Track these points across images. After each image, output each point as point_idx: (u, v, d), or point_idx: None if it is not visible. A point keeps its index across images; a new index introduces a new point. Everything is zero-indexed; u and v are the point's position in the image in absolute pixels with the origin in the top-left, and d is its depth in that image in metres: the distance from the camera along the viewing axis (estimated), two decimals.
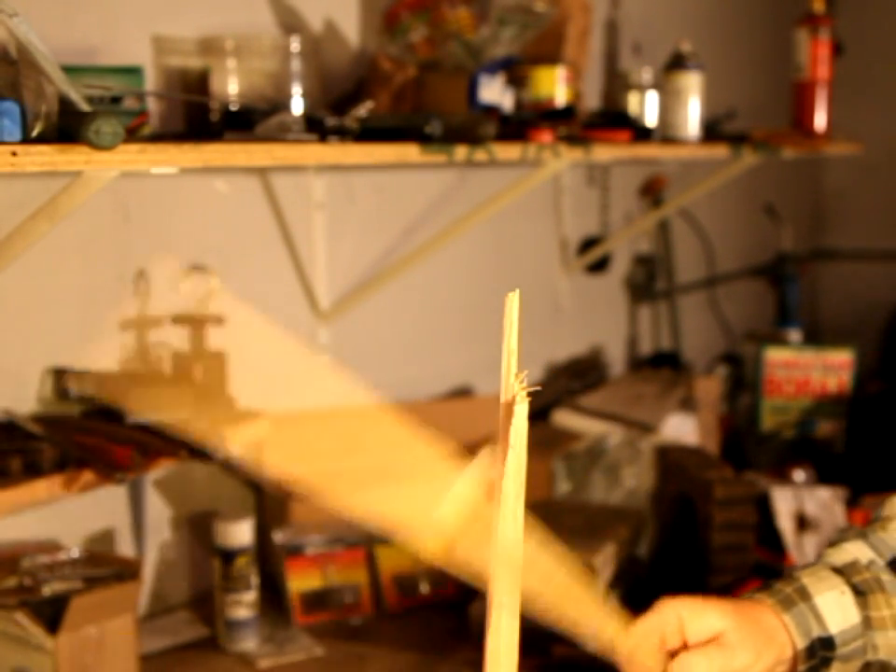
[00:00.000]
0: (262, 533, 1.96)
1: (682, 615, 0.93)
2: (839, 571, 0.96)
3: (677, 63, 2.36)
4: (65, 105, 1.24)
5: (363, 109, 1.67)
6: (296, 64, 1.80)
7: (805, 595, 0.95)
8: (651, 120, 2.46)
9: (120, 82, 1.50)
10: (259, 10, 1.99)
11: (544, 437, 2.35)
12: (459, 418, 2.32)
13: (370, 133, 1.62)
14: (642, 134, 2.27)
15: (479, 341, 2.54)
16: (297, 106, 1.79)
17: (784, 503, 2.14)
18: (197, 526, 1.98)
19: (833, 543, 1.02)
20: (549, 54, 2.22)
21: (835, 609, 0.94)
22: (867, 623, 0.95)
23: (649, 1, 3.02)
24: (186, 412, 1.68)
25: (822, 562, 0.99)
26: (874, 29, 3.81)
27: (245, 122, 1.60)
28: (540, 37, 2.15)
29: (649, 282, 3.15)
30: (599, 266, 2.93)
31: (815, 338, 3.49)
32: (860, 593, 0.95)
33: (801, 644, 0.93)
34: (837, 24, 2.70)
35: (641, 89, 2.49)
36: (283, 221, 2.10)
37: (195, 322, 1.85)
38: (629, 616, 0.93)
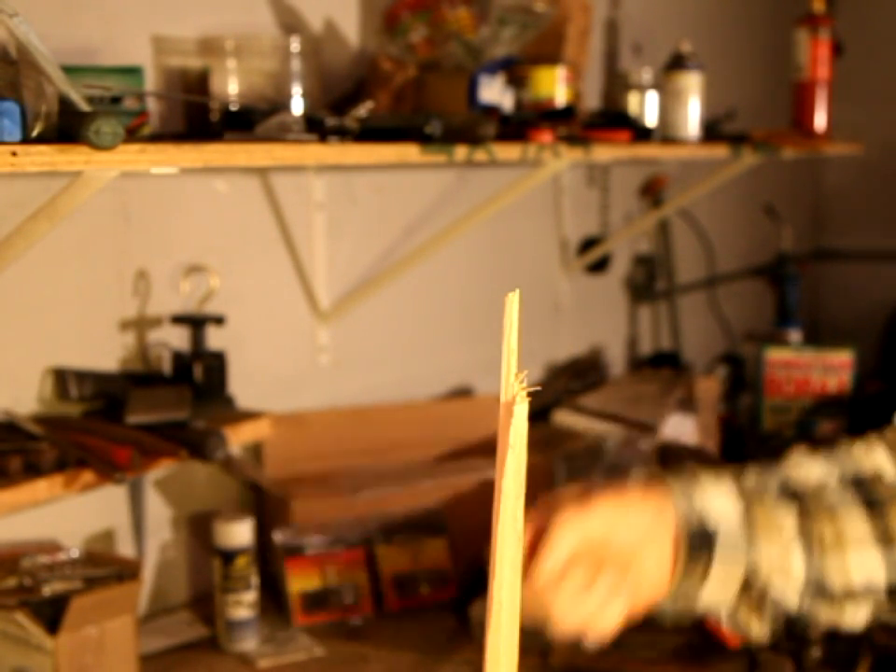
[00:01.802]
0: (262, 533, 1.96)
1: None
2: (727, 475, 0.95)
3: (677, 62, 2.36)
4: (65, 104, 1.24)
5: (363, 109, 1.67)
6: (296, 64, 1.80)
7: (691, 473, 0.93)
8: (650, 120, 2.46)
9: (120, 82, 1.50)
10: (259, 10, 1.99)
11: (544, 437, 2.35)
12: (459, 418, 2.32)
13: (370, 133, 1.62)
14: (642, 134, 2.27)
15: (479, 341, 2.54)
16: (297, 106, 1.79)
17: None
18: (197, 526, 1.98)
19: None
20: (549, 54, 2.22)
21: (716, 494, 0.92)
22: (749, 520, 0.92)
23: (649, 1, 3.02)
24: (186, 412, 1.68)
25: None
26: (874, 29, 3.81)
27: (245, 122, 1.60)
28: (540, 37, 2.15)
29: (649, 282, 3.15)
30: (599, 266, 2.93)
31: (815, 338, 3.49)
32: (741, 491, 0.93)
33: (683, 507, 0.91)
34: (837, 24, 2.70)
35: (641, 89, 2.49)
36: (283, 221, 2.10)
37: (195, 322, 1.85)
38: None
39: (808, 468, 0.98)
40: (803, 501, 0.95)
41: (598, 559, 0.86)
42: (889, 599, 0.96)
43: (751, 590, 0.93)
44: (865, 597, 0.96)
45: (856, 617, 0.97)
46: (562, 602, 0.85)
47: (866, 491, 0.96)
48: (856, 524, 0.95)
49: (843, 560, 0.94)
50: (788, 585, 0.93)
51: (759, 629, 0.95)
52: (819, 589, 0.94)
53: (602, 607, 0.85)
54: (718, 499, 0.91)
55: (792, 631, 0.95)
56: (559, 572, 0.85)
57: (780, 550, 0.92)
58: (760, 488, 0.94)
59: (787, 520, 0.93)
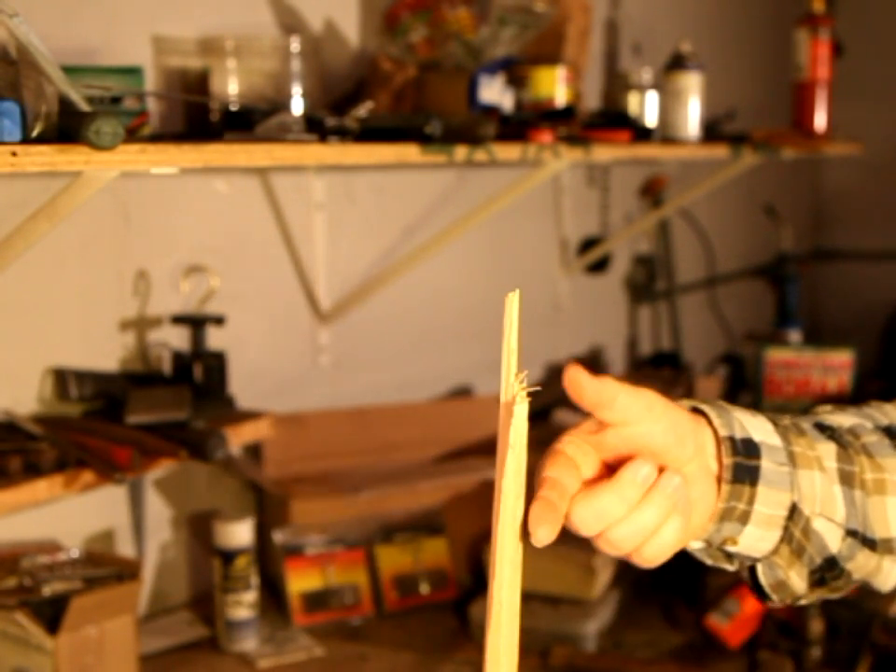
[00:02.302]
0: (262, 533, 1.96)
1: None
2: (759, 412, 0.88)
3: (677, 63, 2.36)
4: (65, 105, 1.24)
5: (363, 109, 1.67)
6: (296, 64, 1.80)
7: (723, 405, 0.86)
8: (651, 120, 2.46)
9: (120, 82, 1.50)
10: (259, 10, 1.99)
11: (544, 437, 2.34)
12: (459, 418, 2.32)
13: (370, 133, 1.62)
14: (642, 134, 2.27)
15: (479, 341, 2.54)
16: (297, 106, 1.79)
17: None
18: (197, 526, 1.98)
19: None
20: (549, 54, 2.22)
21: (755, 426, 0.85)
22: (791, 456, 0.85)
23: (649, 1, 3.02)
24: (186, 412, 1.68)
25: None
26: (874, 29, 3.81)
27: (245, 122, 1.60)
28: (540, 37, 2.15)
29: (649, 282, 3.15)
30: (599, 266, 2.93)
31: (815, 338, 3.49)
32: (777, 426, 0.87)
33: (724, 432, 0.83)
34: (837, 24, 2.70)
35: (641, 89, 2.49)
36: (283, 221, 2.10)
37: (195, 322, 1.85)
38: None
39: (840, 417, 0.93)
40: (840, 440, 0.89)
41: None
42: None
43: (794, 529, 0.86)
44: None
45: (891, 574, 0.91)
46: (621, 504, 0.77)
47: None
48: (894, 471, 0.89)
49: (883, 507, 0.89)
50: (832, 522, 0.87)
51: (797, 582, 0.89)
52: (860, 532, 0.89)
53: (659, 524, 0.78)
54: (757, 430, 0.85)
55: (828, 587, 0.89)
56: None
57: (824, 482, 0.87)
58: (795, 422, 0.89)
59: (827, 453, 0.88)
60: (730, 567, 0.90)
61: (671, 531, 0.79)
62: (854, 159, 3.20)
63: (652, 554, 0.79)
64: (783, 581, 0.89)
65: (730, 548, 0.87)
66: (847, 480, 0.88)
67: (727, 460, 0.83)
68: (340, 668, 1.78)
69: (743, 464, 0.84)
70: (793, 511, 0.86)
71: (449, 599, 2.00)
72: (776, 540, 0.87)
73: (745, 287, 3.60)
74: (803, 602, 0.92)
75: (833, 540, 0.88)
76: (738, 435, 0.84)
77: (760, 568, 0.89)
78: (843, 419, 0.94)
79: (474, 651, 1.82)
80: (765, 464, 0.84)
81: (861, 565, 0.89)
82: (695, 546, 0.88)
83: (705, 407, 0.86)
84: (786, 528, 0.86)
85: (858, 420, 0.94)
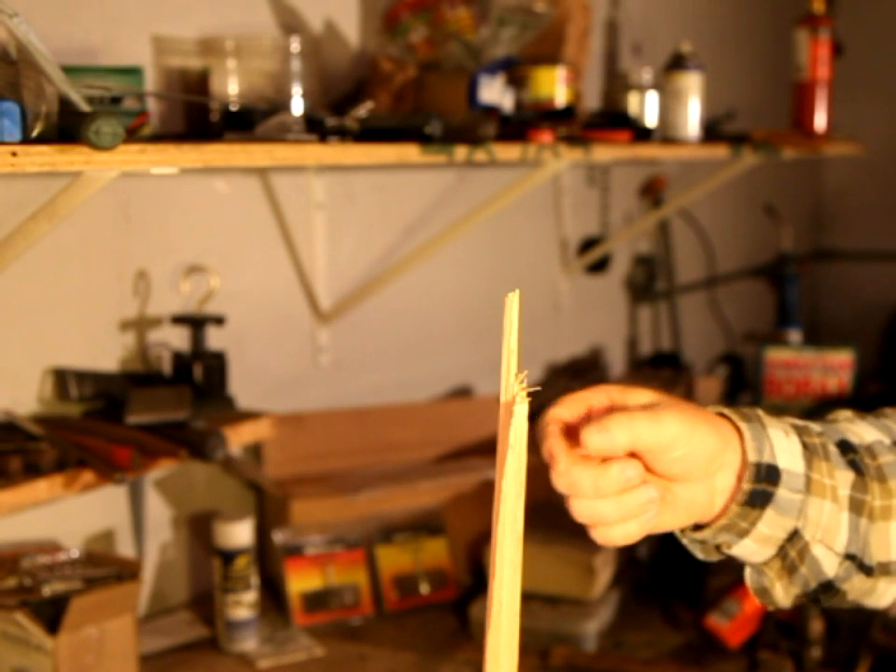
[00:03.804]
0: (262, 533, 1.96)
1: (612, 396, 0.85)
2: (791, 425, 0.90)
3: (677, 63, 2.36)
4: (65, 105, 1.24)
5: (363, 109, 1.67)
6: (296, 64, 1.80)
7: (760, 420, 0.88)
8: (651, 121, 2.46)
9: (120, 82, 1.50)
10: (259, 10, 1.99)
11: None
12: (459, 418, 2.32)
13: (370, 133, 1.62)
14: (642, 135, 2.27)
15: (479, 341, 2.54)
16: (297, 106, 1.79)
17: None
18: (197, 526, 1.98)
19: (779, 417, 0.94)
20: (549, 54, 2.22)
21: (785, 448, 0.87)
22: (808, 483, 0.88)
23: (649, 1, 3.02)
24: (186, 412, 1.68)
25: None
26: (874, 29, 3.81)
27: (245, 122, 1.60)
28: (540, 37, 2.15)
29: (649, 282, 3.15)
30: (599, 266, 2.93)
31: (815, 338, 3.49)
32: (806, 449, 0.89)
33: (753, 457, 0.86)
34: (837, 24, 2.70)
35: (641, 89, 2.49)
36: (283, 221, 2.10)
37: (195, 322, 1.85)
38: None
39: (861, 429, 0.95)
40: (858, 465, 0.92)
41: (647, 465, 0.83)
42: None
43: (790, 550, 0.89)
44: None
45: (885, 595, 0.95)
46: (593, 490, 0.81)
47: None
48: None
49: (886, 532, 0.92)
50: (831, 550, 0.90)
51: (781, 595, 0.92)
52: (858, 557, 0.91)
53: (631, 513, 0.81)
54: (784, 453, 0.87)
55: (817, 601, 0.93)
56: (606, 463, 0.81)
57: (833, 511, 0.89)
58: (823, 443, 0.91)
59: (844, 482, 0.90)
60: (718, 558, 0.93)
61: (628, 528, 0.82)
62: (854, 159, 3.20)
63: (604, 539, 0.83)
64: (767, 588, 0.91)
65: (723, 549, 0.90)
66: (856, 507, 0.91)
67: (746, 486, 0.86)
68: (340, 668, 1.78)
69: (760, 490, 0.86)
70: (794, 534, 0.88)
71: (449, 599, 2.00)
72: (769, 555, 0.90)
73: (745, 287, 3.60)
74: (781, 607, 0.94)
75: (830, 566, 0.90)
76: (766, 460, 0.86)
77: (748, 571, 0.92)
78: (864, 432, 0.96)
79: (474, 651, 1.82)
80: (781, 492, 0.87)
81: (856, 587, 0.92)
82: (686, 540, 0.91)
83: (742, 425, 0.87)
84: (782, 548, 0.89)
85: (877, 436, 0.96)
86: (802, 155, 2.74)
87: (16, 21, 1.18)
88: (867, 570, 0.92)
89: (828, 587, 0.91)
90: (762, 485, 0.86)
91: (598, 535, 0.83)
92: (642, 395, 0.86)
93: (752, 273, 3.55)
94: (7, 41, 1.23)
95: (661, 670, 1.79)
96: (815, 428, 0.93)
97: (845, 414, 0.99)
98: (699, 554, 0.92)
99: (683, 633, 1.90)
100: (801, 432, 0.91)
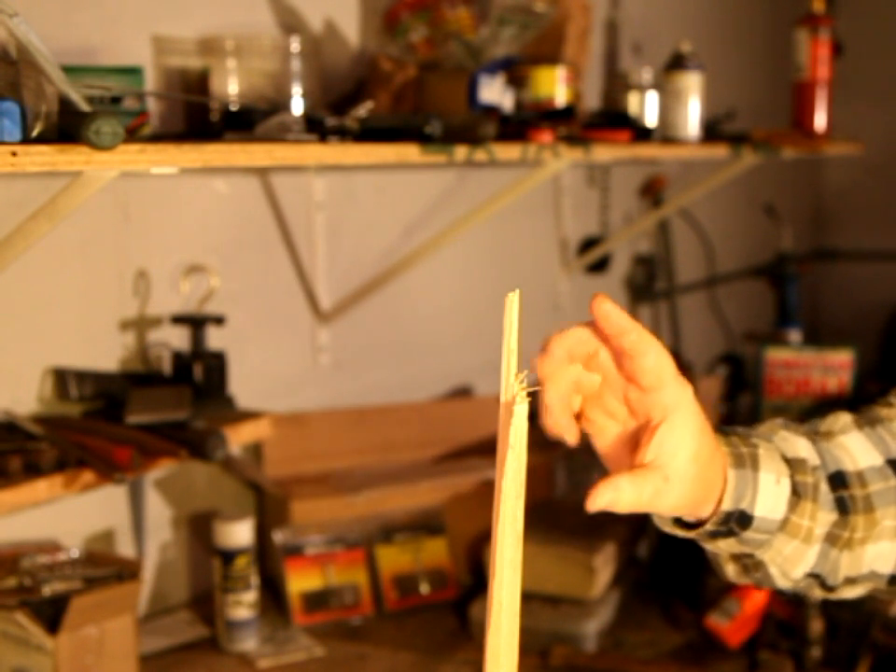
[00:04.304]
0: (262, 533, 1.96)
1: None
2: (788, 463, 0.92)
3: (677, 63, 2.36)
4: (65, 104, 1.24)
5: (363, 109, 1.67)
6: (296, 64, 1.80)
7: (755, 463, 0.90)
8: (651, 120, 2.45)
9: (120, 82, 1.50)
10: (259, 10, 1.99)
11: (544, 437, 2.34)
12: (459, 418, 2.32)
13: (370, 133, 1.62)
14: (642, 134, 2.27)
15: (479, 341, 2.54)
16: (297, 106, 1.79)
17: None
18: (197, 526, 1.98)
19: (784, 428, 0.96)
20: (549, 54, 2.22)
21: (770, 495, 0.90)
22: (783, 525, 0.91)
23: (649, 1, 3.02)
24: (186, 412, 1.68)
25: (776, 444, 0.93)
26: (874, 29, 3.81)
27: (245, 122, 1.60)
28: (540, 37, 2.15)
29: (649, 282, 3.15)
30: (599, 266, 2.93)
31: (815, 338, 3.49)
32: (795, 493, 0.91)
33: (726, 505, 0.88)
34: (837, 24, 2.70)
35: (641, 89, 2.49)
36: (283, 221, 2.10)
37: (195, 322, 1.85)
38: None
39: (857, 447, 0.97)
40: (846, 504, 0.94)
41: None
42: (889, 584, 0.97)
43: (748, 560, 0.94)
44: (864, 583, 0.97)
45: (847, 596, 0.98)
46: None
47: None
48: (888, 520, 0.95)
49: (859, 555, 0.94)
50: (786, 575, 0.94)
51: (733, 575, 0.96)
52: (821, 578, 0.95)
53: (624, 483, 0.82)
54: (767, 501, 0.90)
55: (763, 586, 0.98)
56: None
57: (799, 548, 0.92)
58: (815, 482, 0.93)
59: (824, 523, 0.93)
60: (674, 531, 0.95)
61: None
62: (854, 159, 3.20)
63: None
64: (720, 565, 0.97)
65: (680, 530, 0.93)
66: (830, 540, 0.94)
67: (710, 527, 0.89)
68: (340, 668, 1.78)
69: (724, 531, 0.90)
70: (753, 558, 0.93)
71: (449, 599, 2.00)
72: (725, 556, 0.95)
73: (745, 287, 3.60)
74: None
75: (784, 583, 0.95)
76: (741, 507, 0.89)
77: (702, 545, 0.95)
78: (859, 452, 0.97)
79: (474, 650, 1.82)
80: (748, 534, 0.90)
81: (817, 595, 0.98)
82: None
83: (731, 473, 0.89)
84: (739, 559, 0.94)
85: (871, 455, 0.97)
86: (802, 155, 2.74)
87: (16, 20, 1.18)
88: (829, 588, 0.96)
89: (781, 592, 0.99)
90: (728, 526, 0.90)
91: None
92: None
93: (752, 273, 3.55)
94: (7, 41, 1.24)
95: (661, 670, 1.79)
96: (812, 462, 0.95)
97: (843, 421, 0.99)
98: (660, 524, 0.95)
99: (683, 633, 1.90)
100: (797, 469, 0.93)
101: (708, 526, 0.89)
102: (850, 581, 0.96)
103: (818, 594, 0.97)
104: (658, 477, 0.83)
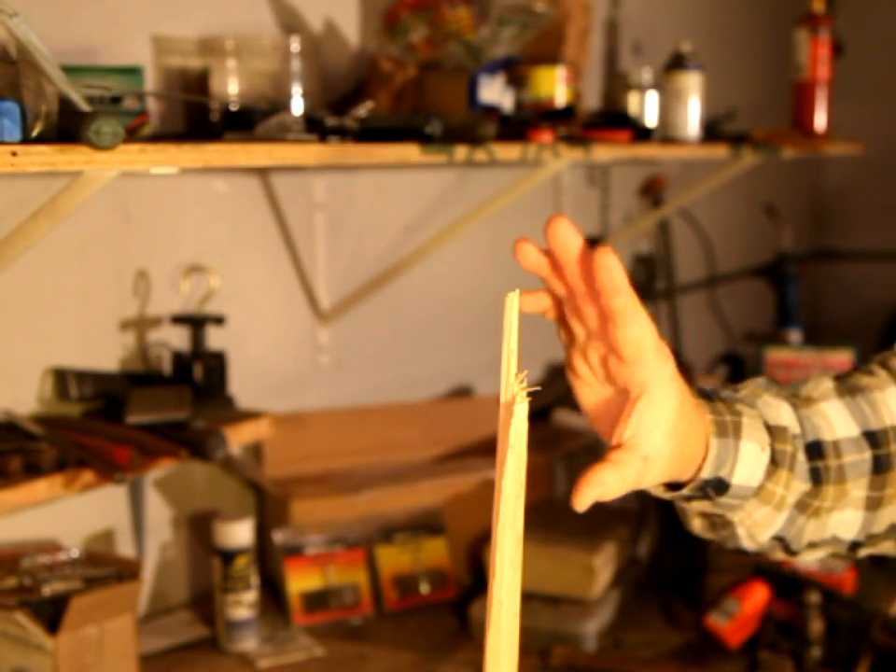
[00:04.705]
0: (262, 533, 1.96)
1: None
2: (770, 431, 0.93)
3: (677, 63, 2.36)
4: (65, 104, 1.24)
5: (363, 109, 1.67)
6: (296, 64, 1.80)
7: (738, 432, 0.90)
8: (651, 120, 2.45)
9: (120, 82, 1.50)
10: (259, 10, 1.99)
11: (544, 437, 2.35)
12: (459, 418, 2.32)
13: (370, 132, 1.62)
14: (642, 134, 2.27)
15: (479, 341, 2.54)
16: (297, 106, 1.79)
17: None
18: (197, 526, 1.98)
19: (767, 392, 0.96)
20: (549, 54, 2.22)
21: (749, 464, 0.90)
22: (757, 491, 0.91)
23: (649, 1, 3.02)
24: (186, 412, 1.68)
25: (759, 411, 0.94)
26: (874, 29, 3.81)
27: (245, 122, 1.60)
28: (540, 37, 2.15)
29: (649, 282, 3.15)
30: None
31: (815, 338, 3.49)
32: (773, 461, 0.92)
33: (705, 473, 0.89)
34: (837, 24, 2.70)
35: (641, 89, 2.49)
36: (283, 221, 2.10)
37: (195, 322, 1.85)
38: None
39: (836, 415, 0.98)
40: (820, 474, 0.95)
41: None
42: (849, 550, 0.99)
43: (716, 519, 0.96)
44: (825, 547, 0.99)
45: (808, 559, 1.01)
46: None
47: (881, 453, 0.96)
48: (857, 490, 0.96)
49: (825, 522, 0.96)
50: (753, 538, 0.95)
51: (699, 529, 0.99)
52: (785, 542, 0.96)
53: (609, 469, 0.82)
54: (745, 469, 0.91)
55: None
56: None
57: (769, 514, 0.94)
58: (794, 451, 0.94)
59: (796, 491, 0.94)
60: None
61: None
62: (854, 159, 3.20)
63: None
64: (685, 517, 0.99)
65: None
66: (800, 507, 0.95)
67: (686, 492, 0.91)
68: (340, 668, 1.78)
69: (703, 495, 0.91)
70: (723, 518, 0.94)
71: (449, 599, 2.00)
72: (694, 514, 0.97)
73: (745, 287, 3.60)
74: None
75: (749, 544, 0.97)
76: (720, 475, 0.90)
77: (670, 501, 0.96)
78: (838, 420, 0.98)
79: (474, 650, 1.82)
80: (723, 499, 0.91)
81: (777, 557, 1.00)
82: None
83: (712, 442, 0.89)
84: (708, 517, 0.96)
85: (849, 426, 0.98)
86: (802, 155, 2.74)
87: (16, 20, 1.18)
88: (791, 552, 0.98)
89: (742, 551, 0.98)
90: (704, 492, 0.90)
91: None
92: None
93: (752, 273, 3.55)
94: (7, 41, 1.23)
95: (661, 670, 1.79)
96: (793, 430, 0.95)
97: (825, 387, 1.00)
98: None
99: (683, 633, 1.90)
100: (777, 438, 0.93)
101: (685, 491, 0.90)
102: (812, 545, 0.98)
103: (779, 556, 0.99)
104: (637, 458, 0.83)
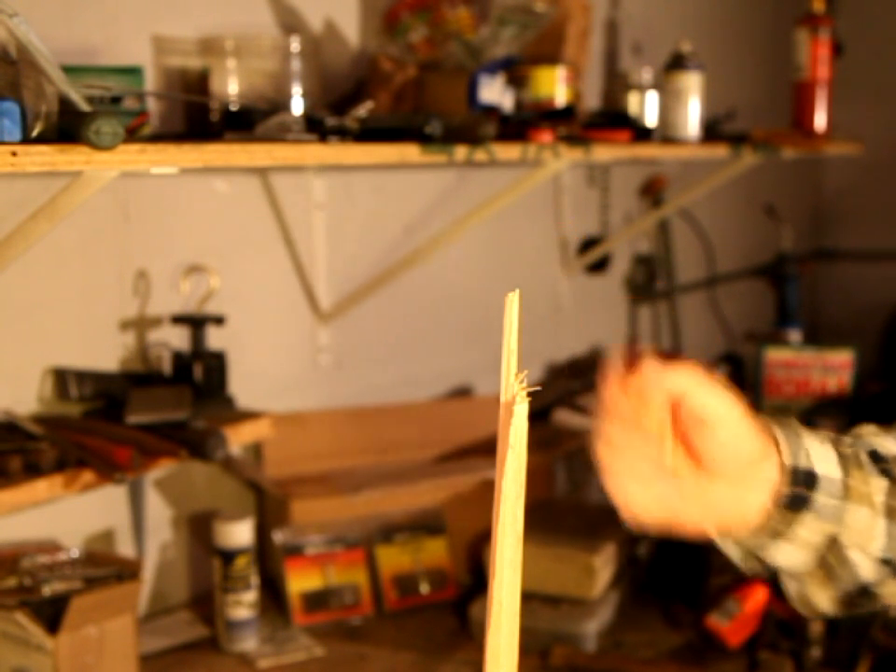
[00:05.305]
0: (262, 533, 1.96)
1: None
2: (825, 436, 0.91)
3: (677, 63, 2.36)
4: (65, 104, 1.24)
5: (363, 109, 1.67)
6: (296, 64, 1.80)
7: (795, 429, 0.90)
8: (651, 120, 2.46)
9: (120, 82, 1.50)
10: (259, 10, 1.99)
11: (544, 437, 2.35)
12: (459, 418, 2.32)
13: (370, 133, 1.62)
14: (642, 134, 2.27)
15: (479, 341, 2.54)
16: (297, 106, 1.79)
17: None
18: (197, 526, 1.98)
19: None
20: (549, 54, 2.22)
21: (821, 455, 0.89)
22: (846, 489, 0.89)
23: (649, 1, 3.02)
24: (186, 412, 1.68)
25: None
26: (874, 29, 3.81)
27: (245, 122, 1.60)
28: (540, 37, 2.15)
29: (649, 282, 3.15)
30: (599, 266, 2.93)
31: (815, 338, 3.49)
32: (841, 456, 0.90)
33: (788, 460, 0.87)
34: (837, 24, 2.70)
35: (641, 89, 2.49)
36: (283, 221, 2.10)
37: (195, 322, 1.85)
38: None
39: (888, 442, 0.97)
40: (891, 473, 0.93)
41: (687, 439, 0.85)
42: None
43: (828, 554, 0.91)
44: None
45: None
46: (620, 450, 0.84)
47: None
48: None
49: None
50: (867, 554, 0.91)
51: (821, 600, 0.94)
52: (893, 564, 0.93)
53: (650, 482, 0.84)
54: (821, 461, 0.89)
55: (855, 607, 0.94)
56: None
57: (869, 517, 0.91)
58: (855, 452, 0.93)
59: (879, 489, 0.92)
60: (756, 569, 0.94)
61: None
62: (854, 159, 3.20)
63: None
64: (807, 596, 0.93)
65: (763, 556, 0.91)
66: (891, 514, 0.92)
67: (786, 489, 0.87)
68: (340, 668, 1.78)
69: (798, 494, 0.88)
70: (832, 539, 0.90)
71: (449, 599, 2.00)
72: (808, 560, 0.91)
73: (745, 287, 3.60)
74: (825, 615, 0.96)
75: (867, 570, 0.92)
76: (802, 465, 0.88)
77: (786, 581, 0.94)
78: (891, 444, 0.97)
79: (474, 650, 1.82)
80: (820, 497, 0.88)
81: (892, 591, 0.94)
82: (728, 546, 0.93)
83: (777, 431, 0.89)
84: (819, 552, 0.91)
85: None
86: (802, 155, 2.74)
87: (16, 20, 1.18)
88: None
89: (864, 591, 0.92)
90: (800, 489, 0.88)
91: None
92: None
93: (752, 273, 3.55)
94: (7, 41, 1.23)
95: (661, 670, 1.79)
96: (846, 440, 0.95)
97: (869, 429, 1.00)
98: (739, 562, 0.93)
99: (683, 633, 1.90)
100: (833, 442, 0.93)
101: (784, 490, 0.87)
102: None
103: (892, 590, 0.94)
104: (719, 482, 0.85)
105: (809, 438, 0.90)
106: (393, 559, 1.99)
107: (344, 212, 2.22)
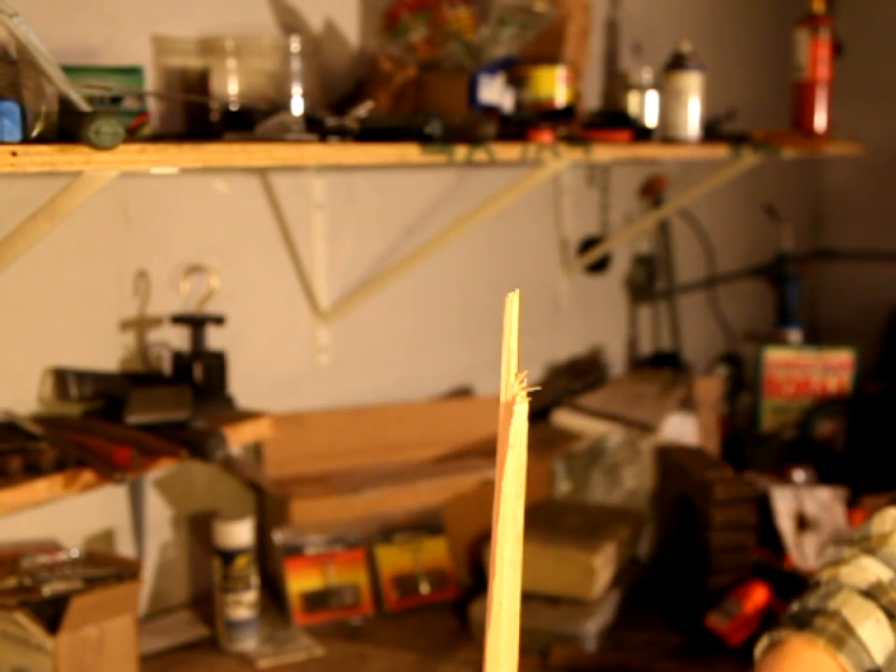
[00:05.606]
0: (262, 533, 1.96)
1: None
2: (868, 594, 0.97)
3: (677, 63, 2.36)
4: (65, 104, 1.24)
5: (363, 109, 1.67)
6: (296, 64, 1.80)
7: (849, 629, 0.95)
8: (651, 120, 2.46)
9: (120, 82, 1.50)
10: (259, 10, 1.99)
11: (544, 437, 2.35)
12: (459, 418, 2.32)
13: (370, 133, 1.62)
14: (642, 134, 2.27)
15: (479, 341, 2.54)
16: (297, 106, 1.79)
17: (784, 503, 2.14)
18: (197, 526, 1.99)
19: (844, 561, 1.00)
20: (549, 54, 2.22)
21: (877, 638, 0.95)
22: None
23: (649, 1, 3.02)
24: (186, 412, 1.68)
25: (847, 585, 0.98)
26: (874, 29, 3.81)
27: (245, 122, 1.60)
28: (540, 37, 2.15)
29: (649, 282, 3.15)
30: (599, 266, 2.93)
31: (815, 338, 3.49)
32: (891, 616, 0.97)
33: None
34: (837, 24, 2.70)
35: (641, 89, 2.49)
36: (283, 221, 2.10)
37: (195, 322, 1.85)
38: None
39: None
40: None
41: None
42: None
43: None
44: None
45: None
46: None
47: None
48: None
49: None
50: None
51: None
52: None
53: None
54: (880, 649, 0.95)
55: None
56: None
57: None
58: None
59: None
60: None
61: None
62: (854, 159, 3.20)
63: None
64: None
65: None
66: None
67: None
68: (340, 668, 1.78)
69: None
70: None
71: (449, 599, 2.00)
72: None
73: (745, 287, 3.60)
74: None
75: None
76: (866, 667, 0.95)
77: None
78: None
79: (474, 650, 1.82)
80: None
81: None
82: None
83: (841, 658, 0.94)
84: None
85: None
86: (802, 155, 2.74)
87: (16, 20, 1.18)
88: None
89: None
90: None
91: None
92: None
93: (752, 273, 3.55)
94: (7, 41, 1.23)
95: (661, 670, 1.79)
96: (885, 577, 0.99)
97: (892, 517, 1.02)
98: None
99: (683, 633, 1.90)
100: (880, 594, 0.97)
101: None
102: None
103: None
104: None
105: (862, 626, 0.95)
106: (393, 559, 1.99)
107: (344, 212, 2.22)
